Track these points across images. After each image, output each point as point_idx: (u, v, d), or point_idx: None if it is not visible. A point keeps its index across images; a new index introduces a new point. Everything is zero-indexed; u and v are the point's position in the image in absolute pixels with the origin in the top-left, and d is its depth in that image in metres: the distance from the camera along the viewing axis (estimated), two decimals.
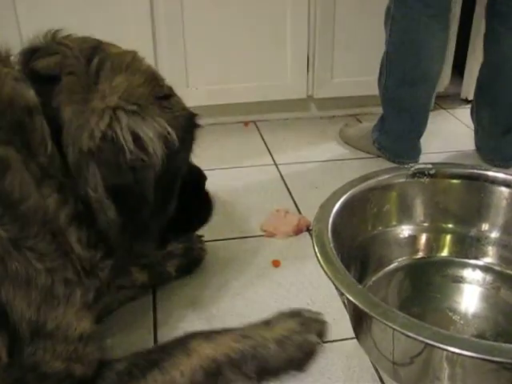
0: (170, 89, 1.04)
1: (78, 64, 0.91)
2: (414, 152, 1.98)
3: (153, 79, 0.98)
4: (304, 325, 1.10)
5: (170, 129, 0.95)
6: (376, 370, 1.09)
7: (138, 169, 0.91)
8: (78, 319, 0.90)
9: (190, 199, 1.16)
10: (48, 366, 0.86)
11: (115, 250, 0.99)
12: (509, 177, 1.15)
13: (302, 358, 1.08)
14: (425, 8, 1.72)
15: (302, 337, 1.07)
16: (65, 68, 0.90)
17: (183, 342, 1.00)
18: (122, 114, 0.89)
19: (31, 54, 0.95)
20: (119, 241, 0.97)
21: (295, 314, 1.12)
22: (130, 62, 0.97)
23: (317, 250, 0.93)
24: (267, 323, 1.09)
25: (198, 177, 1.23)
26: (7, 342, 0.82)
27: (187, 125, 1.02)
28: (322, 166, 2.01)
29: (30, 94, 0.86)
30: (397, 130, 1.95)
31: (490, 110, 1.93)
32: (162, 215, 1.05)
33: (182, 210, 1.12)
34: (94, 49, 0.96)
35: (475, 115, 2.02)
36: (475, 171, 1.19)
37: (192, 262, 1.40)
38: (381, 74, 1.92)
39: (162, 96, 0.98)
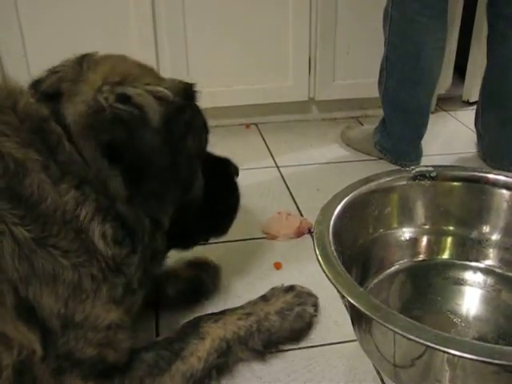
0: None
1: (71, 71, 0.98)
2: (416, 154, 1.98)
3: (139, 64, 1.02)
4: (299, 297, 1.19)
5: (161, 88, 0.97)
6: (378, 373, 1.09)
7: (127, 120, 0.91)
8: (106, 311, 0.94)
9: (219, 192, 1.18)
10: (81, 352, 0.92)
11: (138, 238, 0.99)
12: (509, 179, 1.15)
13: (301, 328, 1.18)
14: (423, 9, 1.72)
15: (299, 307, 1.17)
16: (62, 79, 0.97)
17: (196, 327, 1.07)
18: (106, 87, 0.92)
19: (39, 80, 1.02)
20: (132, 218, 0.97)
21: (289, 289, 1.21)
22: (115, 57, 1.02)
23: (318, 253, 0.93)
24: (265, 299, 1.18)
25: (227, 168, 1.23)
26: (40, 337, 0.86)
27: (184, 89, 1.03)
28: (323, 168, 2.01)
29: (42, 107, 0.93)
30: (398, 131, 1.95)
31: (498, 114, 1.92)
32: (178, 188, 1.04)
33: (211, 204, 1.15)
34: (84, 56, 1.01)
35: (481, 120, 2.01)
36: (476, 174, 1.18)
37: (199, 292, 1.31)
38: (381, 75, 1.93)
39: (155, 75, 1.03)
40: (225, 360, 1.07)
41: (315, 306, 1.22)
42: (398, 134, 1.96)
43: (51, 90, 0.96)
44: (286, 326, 1.14)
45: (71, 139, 0.92)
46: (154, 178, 0.96)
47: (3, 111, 0.90)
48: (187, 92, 1.04)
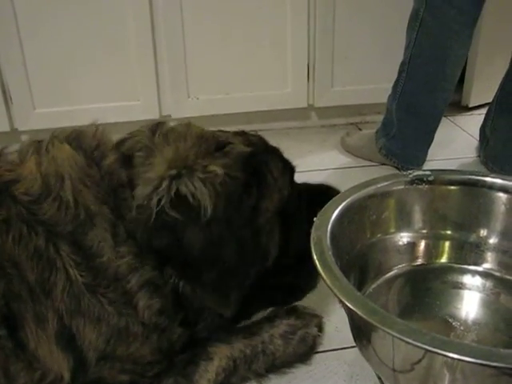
0: (227, 139, 1.03)
1: (145, 139, 1.00)
2: (423, 158, 1.99)
3: (201, 137, 1.01)
4: (303, 319, 1.16)
5: (219, 169, 0.93)
6: (379, 378, 1.09)
7: (174, 226, 0.91)
8: (151, 354, 0.97)
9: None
10: (113, 378, 0.94)
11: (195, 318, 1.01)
12: (507, 182, 1.15)
13: (305, 351, 1.15)
14: (458, 15, 1.71)
15: (303, 331, 1.14)
16: (136, 146, 1.00)
17: (204, 347, 1.06)
18: (165, 182, 0.92)
19: (123, 140, 1.04)
20: (195, 309, 0.99)
21: (292, 310, 1.18)
22: (179, 132, 1.02)
23: (315, 258, 0.93)
24: (270, 320, 1.15)
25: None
26: (72, 365, 0.89)
27: (245, 160, 0.99)
28: (323, 175, 2.01)
29: (122, 172, 0.96)
30: (409, 135, 1.95)
31: (511, 118, 1.91)
32: (244, 272, 0.99)
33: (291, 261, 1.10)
34: (157, 124, 1.04)
35: (491, 122, 1.99)
36: (473, 177, 1.19)
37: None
38: (399, 78, 1.91)
39: (214, 149, 0.99)
40: (231, 380, 1.07)
41: (319, 326, 1.19)
42: (409, 138, 1.96)
43: (128, 153, 0.98)
44: (289, 350, 1.12)
45: None
46: (212, 270, 0.94)
47: (90, 164, 0.95)
48: (250, 161, 1.00)
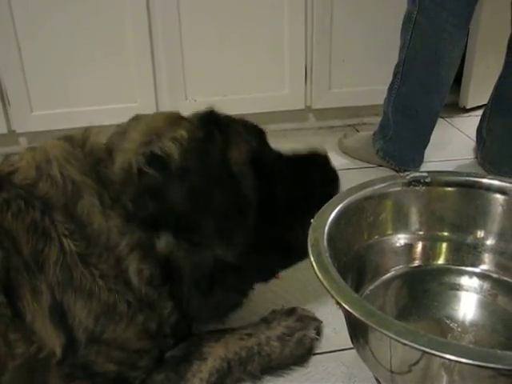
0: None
1: (121, 125, 1.10)
2: (419, 160, 1.99)
3: (168, 115, 1.08)
4: (302, 322, 1.16)
5: (184, 132, 1.01)
6: (376, 380, 1.09)
7: (155, 187, 0.97)
8: (138, 338, 0.98)
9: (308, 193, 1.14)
10: (100, 366, 0.96)
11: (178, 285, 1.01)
12: (503, 184, 1.15)
13: (302, 354, 1.15)
14: (451, 17, 1.72)
15: (301, 333, 1.14)
16: (113, 131, 1.09)
17: (198, 347, 1.08)
18: (140, 147, 1.00)
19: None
20: (178, 264, 1.00)
21: (291, 312, 1.19)
22: (151, 114, 1.12)
23: (313, 260, 0.93)
24: (267, 322, 1.16)
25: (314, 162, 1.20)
26: (64, 342, 0.91)
27: (205, 117, 1.07)
28: None
29: (102, 149, 1.04)
30: (405, 137, 1.95)
31: (507, 119, 1.91)
32: (236, 213, 1.03)
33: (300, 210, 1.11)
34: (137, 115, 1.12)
35: (487, 124, 2.00)
36: (470, 179, 1.19)
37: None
38: (394, 80, 1.91)
39: (179, 118, 1.07)
40: (225, 381, 1.07)
41: (317, 329, 1.19)
42: (406, 140, 1.96)
43: (108, 139, 1.07)
44: (286, 352, 1.12)
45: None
46: (208, 219, 0.99)
47: (74, 147, 1.03)
48: (208, 119, 1.07)
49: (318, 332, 1.19)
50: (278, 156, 1.17)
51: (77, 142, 1.04)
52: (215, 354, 1.07)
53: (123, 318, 0.95)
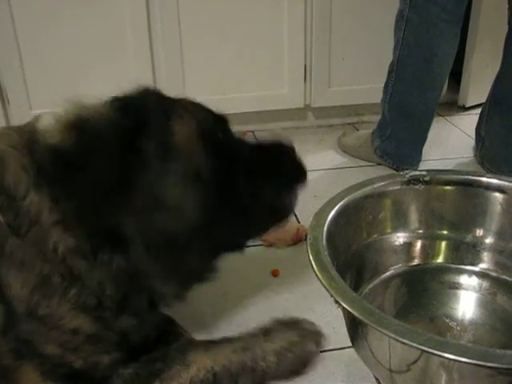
0: None
1: None
2: (417, 158, 1.99)
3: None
4: (302, 336, 1.10)
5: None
6: (376, 379, 1.09)
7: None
8: (71, 315, 0.92)
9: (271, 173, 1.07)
10: (42, 347, 0.91)
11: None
12: (503, 182, 1.15)
13: (300, 369, 1.09)
14: (442, 13, 1.71)
15: (300, 348, 1.08)
16: None
17: (183, 353, 1.01)
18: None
19: None
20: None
21: (293, 324, 1.13)
22: None
23: (311, 258, 0.93)
24: (266, 333, 1.09)
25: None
26: (3, 312, 0.89)
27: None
28: (320, 175, 2.01)
29: (35, 126, 1.00)
30: (402, 135, 1.95)
31: (505, 118, 1.90)
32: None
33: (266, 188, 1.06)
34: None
35: (485, 122, 2.00)
36: (469, 177, 1.19)
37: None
38: (389, 78, 1.91)
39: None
40: None
41: (318, 343, 1.12)
42: (402, 139, 1.95)
43: None
44: (282, 368, 1.05)
45: None
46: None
47: (12, 128, 1.01)
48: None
49: (319, 346, 1.13)
50: (240, 141, 1.10)
51: (22, 127, 1.00)
52: (200, 364, 0.99)
53: (56, 292, 0.90)
